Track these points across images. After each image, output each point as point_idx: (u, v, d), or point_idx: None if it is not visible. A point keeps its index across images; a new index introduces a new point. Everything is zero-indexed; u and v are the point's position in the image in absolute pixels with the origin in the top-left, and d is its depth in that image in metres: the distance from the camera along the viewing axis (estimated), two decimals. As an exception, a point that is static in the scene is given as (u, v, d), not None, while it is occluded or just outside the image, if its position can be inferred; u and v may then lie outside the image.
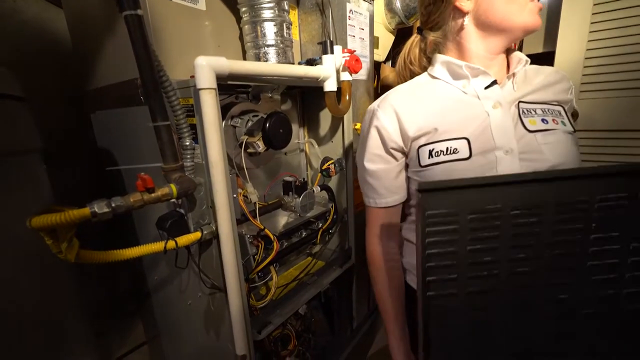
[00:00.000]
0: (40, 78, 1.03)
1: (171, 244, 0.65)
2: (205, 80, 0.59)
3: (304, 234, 1.03)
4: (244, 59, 0.95)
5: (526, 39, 1.66)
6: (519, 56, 0.62)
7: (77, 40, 1.02)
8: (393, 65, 1.92)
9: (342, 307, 1.25)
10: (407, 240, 0.73)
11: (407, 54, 0.73)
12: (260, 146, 0.82)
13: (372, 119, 0.65)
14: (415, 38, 0.72)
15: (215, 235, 0.74)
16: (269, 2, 0.82)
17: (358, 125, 1.24)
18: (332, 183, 1.17)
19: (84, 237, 0.56)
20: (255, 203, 0.84)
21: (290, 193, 0.96)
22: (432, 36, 0.66)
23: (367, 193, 0.69)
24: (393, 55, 1.82)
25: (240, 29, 0.90)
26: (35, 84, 1.00)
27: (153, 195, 0.55)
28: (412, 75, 0.73)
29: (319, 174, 1.09)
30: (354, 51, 0.93)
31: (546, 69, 0.66)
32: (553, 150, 0.55)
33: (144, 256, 0.64)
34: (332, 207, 1.09)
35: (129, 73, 0.82)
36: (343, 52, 0.91)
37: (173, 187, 0.59)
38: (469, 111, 0.59)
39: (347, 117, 1.09)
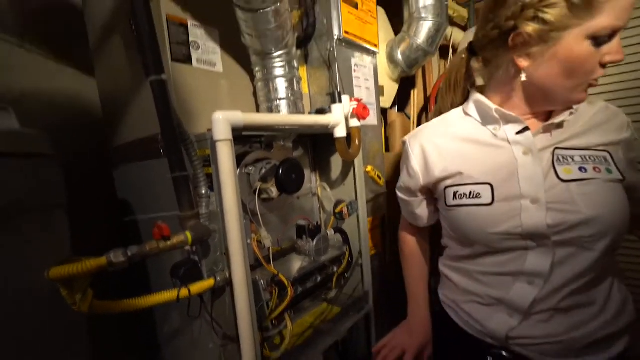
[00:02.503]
0: (70, 138, 1.13)
1: (184, 292, 0.64)
2: (222, 132, 0.64)
3: (318, 279, 1.00)
4: (258, 112, 1.02)
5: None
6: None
7: (105, 103, 1.14)
8: (398, 110, 2.01)
9: (360, 355, 1.16)
10: (446, 276, 0.73)
11: (455, 73, 0.70)
12: (274, 192, 0.85)
13: (404, 156, 0.73)
14: (464, 55, 0.68)
15: (229, 282, 0.73)
16: (279, 62, 0.90)
17: (369, 168, 1.26)
18: (346, 226, 1.17)
19: (98, 288, 0.57)
20: (269, 248, 0.85)
21: (304, 237, 0.96)
22: (477, 66, 0.64)
23: (403, 211, 0.83)
24: (399, 100, 1.91)
25: (254, 86, 0.98)
26: (64, 143, 1.10)
27: (169, 243, 0.57)
28: (452, 103, 0.72)
29: (332, 217, 1.09)
30: (361, 100, 0.99)
31: (595, 105, 0.60)
32: (589, 201, 0.51)
33: (156, 306, 0.64)
34: (346, 250, 1.08)
35: (150, 129, 0.89)
36: (351, 100, 0.97)
37: (188, 234, 0.61)
38: (497, 156, 0.58)
39: (358, 161, 1.12)
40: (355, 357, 1.14)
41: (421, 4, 1.37)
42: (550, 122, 0.57)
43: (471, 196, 0.58)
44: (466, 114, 0.66)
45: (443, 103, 0.74)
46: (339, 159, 1.18)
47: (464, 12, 1.79)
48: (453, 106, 0.71)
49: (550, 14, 0.47)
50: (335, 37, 1.08)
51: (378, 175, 1.32)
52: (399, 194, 0.79)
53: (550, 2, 0.47)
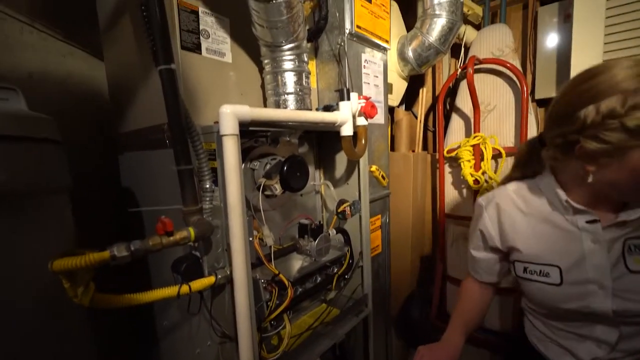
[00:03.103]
0: (77, 123, 1.11)
1: (185, 288, 0.63)
2: (229, 126, 0.62)
3: (318, 280, 0.99)
4: (265, 105, 1.00)
5: (538, 83, 1.69)
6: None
7: (113, 88, 1.11)
8: (406, 109, 1.98)
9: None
10: (526, 316, 0.78)
11: (524, 158, 0.71)
12: (278, 189, 0.83)
13: (479, 219, 0.75)
14: (535, 143, 0.68)
15: (229, 280, 0.72)
16: (289, 55, 0.88)
17: (374, 168, 1.24)
18: (348, 226, 1.15)
19: (98, 280, 0.55)
20: (270, 246, 0.83)
21: (306, 236, 0.94)
22: (547, 155, 0.63)
23: (470, 265, 0.81)
24: (407, 98, 1.88)
25: (263, 79, 0.96)
26: (72, 128, 1.08)
27: (171, 238, 0.55)
28: (524, 176, 0.72)
29: (335, 217, 1.08)
30: (370, 98, 0.96)
31: None
32: None
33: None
34: (347, 251, 1.06)
35: (156, 119, 0.87)
36: (359, 98, 0.95)
37: (191, 230, 0.59)
38: (567, 241, 0.61)
39: (363, 160, 1.10)
40: None
41: (436, 0, 1.34)
42: (622, 219, 0.57)
43: (541, 274, 0.62)
44: (539, 188, 0.67)
45: (514, 173, 0.75)
46: (343, 157, 1.16)
47: (478, 10, 1.74)
48: (524, 177, 0.72)
49: (610, 137, 0.48)
50: (347, 31, 1.05)
51: (382, 176, 1.30)
52: (474, 253, 0.79)
53: (609, 126, 0.48)
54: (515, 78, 1.54)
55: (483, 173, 1.58)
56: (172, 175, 0.84)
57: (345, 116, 0.89)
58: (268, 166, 0.87)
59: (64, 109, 1.05)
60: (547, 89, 1.66)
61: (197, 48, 0.81)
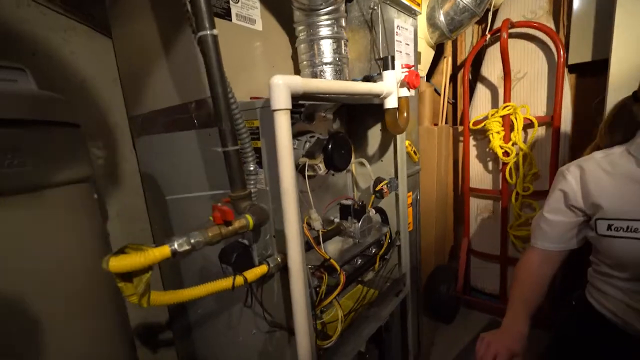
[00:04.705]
0: (88, 106, 1.03)
1: (239, 279, 0.58)
2: (281, 100, 0.55)
3: (359, 262, 0.95)
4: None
5: (571, 47, 1.58)
6: None
7: (125, 68, 1.02)
8: (427, 80, 1.88)
9: (396, 341, 1.15)
10: (595, 286, 0.76)
11: (616, 115, 0.72)
12: (322, 168, 0.77)
13: (560, 182, 0.73)
14: (628, 101, 0.71)
15: (280, 268, 0.68)
16: (327, 20, 0.79)
17: (407, 143, 1.17)
18: (383, 204, 1.10)
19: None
20: (318, 230, 0.78)
21: (349, 217, 0.89)
22: None
23: (536, 235, 0.79)
24: (430, 71, 1.78)
25: (295, 49, 0.87)
26: (81, 111, 0.99)
27: (230, 228, 0.50)
28: (613, 142, 0.72)
29: (372, 196, 1.02)
30: (413, 66, 0.88)
31: None
32: None
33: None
34: (387, 231, 1.02)
35: (181, 97, 0.79)
36: (402, 67, 0.86)
37: (249, 217, 0.54)
38: None
39: (401, 135, 1.03)
40: (390, 342, 1.12)
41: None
42: None
43: (628, 230, 0.63)
44: (630, 153, 0.67)
45: (602, 140, 0.76)
46: (376, 132, 1.09)
47: (507, -30, 1.61)
48: (613, 144, 0.72)
49: None
50: (381, -7, 0.95)
51: (414, 151, 1.23)
52: (548, 216, 0.76)
53: None
54: (551, 42, 1.44)
55: (513, 144, 1.51)
56: (199, 159, 0.78)
57: (391, 87, 0.81)
58: (308, 144, 0.80)
59: (69, 89, 0.97)
60: (582, 53, 1.55)
61: (226, 14, 0.72)
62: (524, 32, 1.51)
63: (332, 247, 0.94)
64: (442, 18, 1.30)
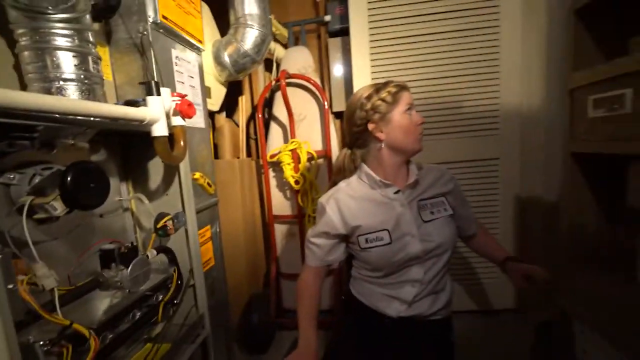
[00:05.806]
0: None
1: None
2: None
3: (137, 315, 0.79)
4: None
5: (333, 99, 2.07)
6: (412, 169, 0.89)
7: None
8: (227, 116, 1.95)
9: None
10: (359, 284, 0.94)
11: (342, 164, 0.94)
12: (59, 208, 0.60)
13: (323, 214, 0.88)
14: (346, 152, 0.94)
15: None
16: (63, 29, 0.66)
17: (197, 175, 1.13)
18: (172, 243, 0.99)
19: None
20: (53, 289, 0.58)
21: (113, 265, 0.73)
22: (359, 152, 0.90)
23: (307, 255, 0.92)
24: (227, 106, 1.85)
25: (15, 55, 0.67)
26: None
27: None
28: (345, 177, 0.94)
29: (153, 235, 0.90)
30: (185, 95, 0.87)
31: (432, 168, 0.94)
32: (438, 233, 0.83)
33: None
34: (174, 271, 0.91)
35: None
36: (172, 95, 0.83)
37: None
38: (387, 210, 0.84)
39: (184, 166, 0.98)
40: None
41: (247, 11, 1.38)
42: (408, 182, 0.87)
43: (377, 240, 0.82)
44: (361, 180, 0.89)
45: (338, 178, 0.95)
46: (159, 164, 0.99)
47: (284, 32, 1.95)
48: (346, 177, 0.94)
49: (380, 108, 0.82)
50: (151, 20, 0.91)
51: (208, 183, 1.21)
52: (314, 240, 0.90)
53: (377, 108, 0.82)
54: (317, 93, 1.82)
55: (301, 174, 1.77)
56: None
57: (156, 113, 0.76)
58: (37, 178, 0.62)
59: None
60: (340, 104, 2.06)
61: None
62: (300, 82, 1.85)
63: (98, 306, 0.75)
64: (227, 59, 1.39)
